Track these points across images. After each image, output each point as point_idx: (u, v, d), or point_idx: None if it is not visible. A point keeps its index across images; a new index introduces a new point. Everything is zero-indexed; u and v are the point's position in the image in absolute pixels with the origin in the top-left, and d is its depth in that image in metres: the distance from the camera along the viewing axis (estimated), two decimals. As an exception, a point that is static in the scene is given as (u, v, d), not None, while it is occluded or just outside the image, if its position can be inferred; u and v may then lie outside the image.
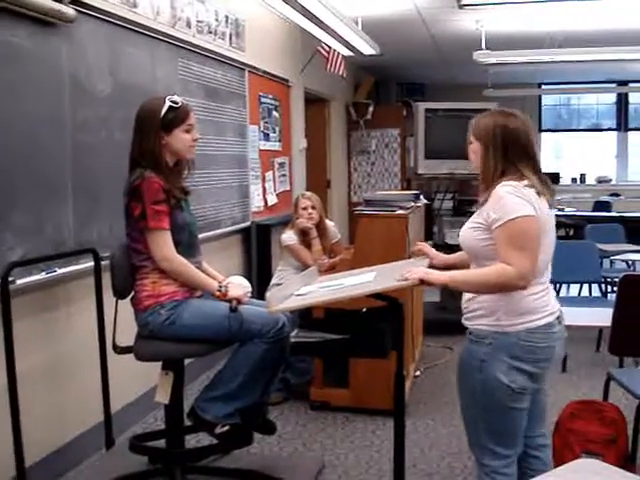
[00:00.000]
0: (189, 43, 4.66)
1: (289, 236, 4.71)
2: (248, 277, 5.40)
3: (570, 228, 8.92)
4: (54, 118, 3.31)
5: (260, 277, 5.67)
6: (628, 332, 3.43)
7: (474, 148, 2.45)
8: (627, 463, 3.09)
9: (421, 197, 5.11)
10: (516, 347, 2.32)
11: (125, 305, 3.04)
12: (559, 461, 2.94)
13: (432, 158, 6.17)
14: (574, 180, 12.38)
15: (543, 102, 12.72)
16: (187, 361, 3.24)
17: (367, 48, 6.46)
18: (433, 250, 2.85)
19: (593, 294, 6.80)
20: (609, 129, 12.65)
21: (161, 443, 3.30)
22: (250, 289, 3.05)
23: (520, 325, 2.33)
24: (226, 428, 2.96)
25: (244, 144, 5.69)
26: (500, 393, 2.34)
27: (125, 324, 3.05)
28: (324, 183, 8.76)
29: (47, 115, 3.26)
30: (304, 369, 4.41)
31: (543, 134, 12.75)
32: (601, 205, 10.48)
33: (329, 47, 6.61)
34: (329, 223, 4.96)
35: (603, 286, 6.49)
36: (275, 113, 6.48)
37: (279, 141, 6.60)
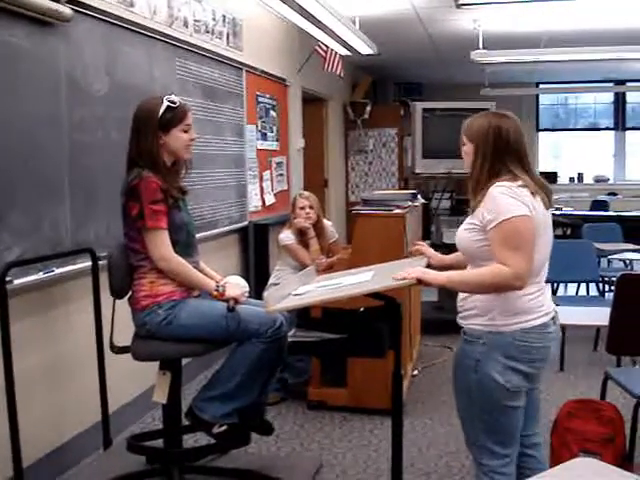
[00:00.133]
0: (186, 42, 4.65)
1: (287, 236, 4.71)
2: (246, 277, 5.40)
3: (568, 227, 8.92)
4: (51, 117, 3.31)
5: (258, 277, 5.66)
6: (625, 331, 3.44)
7: (467, 149, 2.46)
8: (625, 462, 3.09)
9: (418, 196, 5.11)
10: (511, 347, 2.32)
11: (123, 305, 3.04)
12: (556, 460, 2.95)
13: (429, 157, 6.17)
14: (572, 179, 12.40)
15: (540, 101, 12.73)
16: (185, 361, 3.24)
17: (365, 48, 6.46)
18: (431, 250, 2.85)
19: (591, 293, 6.82)
20: (606, 128, 12.65)
21: (159, 443, 3.29)
22: (248, 289, 3.05)
23: (515, 325, 2.33)
24: (224, 428, 2.96)
25: (241, 144, 5.69)
26: (496, 392, 2.34)
27: (123, 324, 3.05)
28: (322, 183, 8.76)
29: (44, 114, 3.26)
30: (302, 369, 4.41)
31: (540, 133, 12.77)
32: (599, 204, 10.49)
33: (327, 47, 6.61)
34: (327, 223, 4.95)
35: (601, 285, 6.50)
36: (273, 113, 6.48)
37: (276, 141, 6.60)
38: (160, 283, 2.89)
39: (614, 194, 11.41)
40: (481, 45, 7.31)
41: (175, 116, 2.92)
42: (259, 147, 6.08)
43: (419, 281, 2.33)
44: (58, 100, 3.35)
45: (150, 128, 2.88)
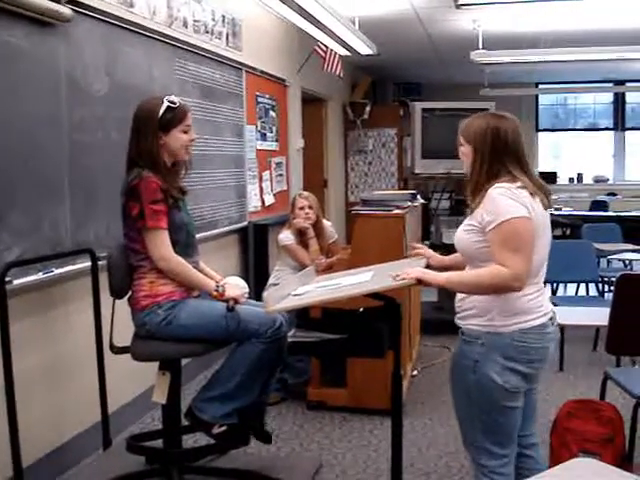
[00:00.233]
0: (186, 43, 4.65)
1: (286, 236, 4.71)
2: (245, 277, 5.41)
3: (567, 227, 8.93)
4: (51, 118, 3.31)
5: (257, 277, 5.66)
6: (625, 331, 3.44)
7: (465, 151, 2.45)
8: (624, 462, 3.09)
9: (418, 197, 5.12)
10: (510, 347, 2.32)
11: (122, 305, 3.04)
12: (556, 460, 2.95)
13: (429, 158, 6.18)
14: (571, 180, 12.40)
15: (540, 102, 12.73)
16: (184, 361, 3.24)
17: (364, 48, 6.45)
18: (430, 250, 2.85)
19: (590, 293, 6.81)
20: (606, 129, 12.66)
21: (158, 443, 3.29)
22: (247, 290, 3.05)
23: (513, 325, 2.33)
24: (223, 428, 2.96)
25: (241, 144, 5.69)
26: (494, 393, 2.34)
27: (122, 324, 3.05)
28: (321, 183, 8.76)
29: (44, 115, 3.26)
30: (301, 369, 4.41)
31: (540, 134, 12.77)
32: (598, 204, 10.50)
33: (326, 47, 6.61)
34: (326, 223, 4.95)
35: (600, 285, 6.50)
36: (272, 113, 6.48)
37: (276, 141, 6.60)
38: (160, 283, 2.89)
39: (613, 194, 11.42)
40: (481, 45, 7.31)
41: (175, 116, 2.92)
42: (258, 147, 6.08)
43: (418, 281, 2.33)
44: (58, 100, 3.35)
45: (150, 128, 2.88)
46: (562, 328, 4.58)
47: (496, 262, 2.25)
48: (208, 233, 4.93)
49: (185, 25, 4.69)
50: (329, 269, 4.24)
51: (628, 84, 11.72)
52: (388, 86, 11.15)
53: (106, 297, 3.18)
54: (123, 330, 3.06)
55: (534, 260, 2.30)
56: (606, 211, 9.84)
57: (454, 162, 5.56)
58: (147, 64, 4.18)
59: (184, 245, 2.96)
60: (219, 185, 5.23)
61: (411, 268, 2.41)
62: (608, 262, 7.31)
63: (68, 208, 3.41)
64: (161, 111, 2.88)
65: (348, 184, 9.86)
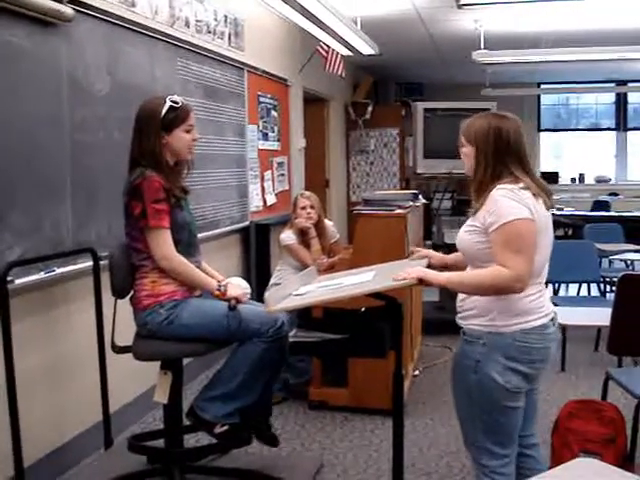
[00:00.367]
0: (188, 43, 4.65)
1: (288, 236, 4.71)
2: (247, 277, 5.41)
3: (569, 228, 8.92)
4: (52, 118, 3.31)
5: (259, 277, 5.67)
6: (627, 332, 3.43)
7: (467, 151, 2.45)
8: (626, 463, 3.09)
9: (420, 197, 5.11)
10: (511, 348, 2.32)
11: (124, 305, 3.04)
12: (557, 460, 2.95)
13: (431, 158, 6.18)
14: (573, 180, 12.40)
15: (542, 102, 12.73)
16: (186, 361, 3.24)
17: (366, 48, 6.46)
18: (431, 251, 2.85)
19: (592, 294, 6.81)
20: (608, 129, 12.66)
21: (160, 443, 3.29)
22: (249, 290, 3.05)
23: (515, 326, 2.33)
24: (225, 428, 2.96)
25: (243, 144, 5.69)
26: (496, 393, 2.34)
27: (124, 324, 3.05)
28: (323, 183, 8.76)
29: (46, 115, 3.26)
30: (303, 369, 4.41)
31: (542, 134, 12.77)
32: (600, 205, 10.49)
33: (328, 47, 6.61)
34: (328, 223, 4.96)
35: (602, 286, 6.49)
36: (274, 113, 6.48)
37: (278, 141, 6.60)
38: (162, 283, 2.89)
39: (615, 194, 11.42)
40: (482, 45, 7.31)
41: (178, 116, 2.92)
42: (260, 147, 6.08)
43: (420, 281, 2.33)
44: (60, 100, 3.36)
45: (152, 128, 2.88)
46: (564, 328, 4.57)
47: (497, 263, 2.25)
48: (210, 233, 4.93)
49: (187, 25, 4.69)
50: (331, 269, 4.25)
51: (630, 84, 11.70)
52: (390, 86, 11.14)
53: (108, 297, 3.18)
54: (125, 329, 3.06)
55: (536, 261, 2.30)
56: (608, 211, 9.82)
57: (456, 162, 5.55)
58: (149, 64, 4.18)
59: (186, 244, 2.96)
60: (221, 185, 5.23)
61: (412, 268, 2.41)
62: (610, 262, 7.30)
63: (70, 208, 3.41)
64: (164, 111, 2.88)
65: (350, 184, 9.86)
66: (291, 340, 2.93)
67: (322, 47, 6.67)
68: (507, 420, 2.39)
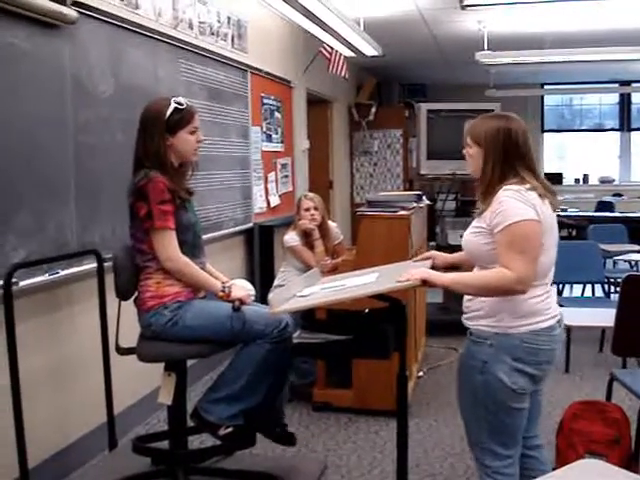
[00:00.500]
0: (191, 44, 4.66)
1: (292, 237, 4.71)
2: (251, 279, 5.41)
3: (573, 228, 8.92)
4: (57, 119, 3.32)
5: (263, 278, 5.67)
6: (631, 332, 3.42)
7: (472, 152, 2.44)
8: (631, 463, 3.09)
9: (424, 198, 5.11)
10: (518, 349, 2.32)
11: (128, 306, 3.04)
12: (562, 461, 2.94)
13: (434, 159, 6.18)
14: (577, 180, 12.38)
15: (546, 102, 12.71)
16: (190, 362, 3.25)
17: (369, 49, 6.45)
18: (434, 251, 2.84)
19: (596, 294, 6.80)
20: (612, 129, 12.63)
21: (164, 444, 3.30)
22: (253, 292, 3.05)
23: (523, 327, 2.32)
24: (229, 429, 2.96)
25: (246, 145, 5.69)
26: (502, 394, 2.34)
27: (128, 325, 3.06)
28: (326, 184, 8.76)
29: (50, 116, 3.27)
30: (307, 370, 4.41)
31: (546, 134, 12.75)
32: (604, 205, 10.48)
33: (331, 48, 6.61)
34: (331, 224, 4.96)
35: (606, 286, 6.49)
36: (277, 114, 6.48)
37: (281, 142, 6.60)
38: (166, 284, 2.89)
39: (619, 195, 11.40)
40: (486, 46, 7.31)
41: (182, 118, 2.92)
42: (264, 149, 6.09)
43: (423, 282, 2.33)
44: (63, 102, 3.36)
45: (157, 129, 2.88)
46: (568, 329, 4.57)
47: (501, 264, 2.24)
48: (213, 234, 4.94)
49: (190, 27, 4.70)
50: (334, 270, 4.24)
51: (634, 85, 11.68)
52: (393, 87, 11.14)
53: (112, 298, 3.19)
54: (129, 331, 3.06)
55: (543, 262, 2.30)
56: (612, 212, 9.82)
57: (460, 163, 5.56)
58: (152, 66, 4.18)
59: (191, 246, 2.96)
60: (224, 186, 5.23)
61: (416, 269, 2.41)
62: (614, 263, 7.29)
63: (74, 209, 3.42)
64: (168, 112, 2.88)
65: (353, 185, 9.85)
66: (295, 341, 2.93)
67: (325, 48, 6.67)
68: (512, 421, 2.38)
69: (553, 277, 2.47)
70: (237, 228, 5.50)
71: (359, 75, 9.90)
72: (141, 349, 3.01)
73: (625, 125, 12.48)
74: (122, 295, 3.04)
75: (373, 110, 9.57)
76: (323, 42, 6.38)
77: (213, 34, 5.04)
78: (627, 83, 11.70)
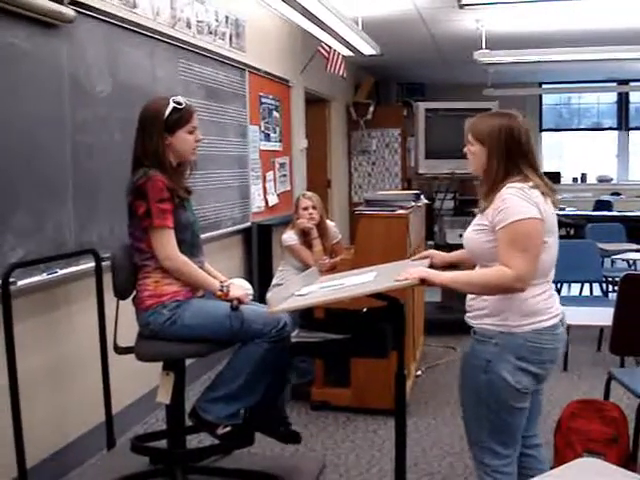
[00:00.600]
0: (189, 43, 4.66)
1: (290, 236, 4.72)
2: (249, 278, 5.41)
3: (571, 227, 8.92)
4: (54, 119, 3.32)
5: (261, 278, 5.67)
6: (629, 331, 3.43)
7: (474, 150, 2.44)
8: (629, 462, 3.09)
9: (422, 197, 5.11)
10: (523, 348, 2.31)
11: (126, 306, 3.04)
12: (560, 460, 2.95)
13: (433, 158, 6.18)
14: (575, 179, 12.38)
15: (544, 101, 12.72)
16: (188, 361, 3.25)
17: (367, 48, 6.45)
18: (432, 250, 2.85)
19: (594, 293, 6.81)
20: (610, 128, 12.64)
21: (162, 443, 3.30)
22: (251, 291, 3.05)
23: (527, 326, 2.32)
24: (228, 429, 2.96)
25: (245, 144, 5.69)
26: (505, 393, 2.33)
27: (126, 324, 3.05)
28: (325, 183, 8.76)
29: (47, 116, 3.27)
30: (305, 369, 4.41)
31: (544, 133, 12.75)
32: (602, 204, 10.49)
33: (329, 47, 6.61)
34: (330, 223, 4.96)
35: (604, 285, 6.49)
36: (276, 113, 6.48)
37: (279, 141, 6.60)
38: (164, 283, 2.89)
39: (617, 194, 11.41)
40: (484, 45, 7.31)
41: (181, 117, 2.92)
42: (262, 148, 6.08)
43: (422, 281, 2.33)
44: (61, 101, 3.36)
45: (156, 129, 2.88)
46: (567, 328, 4.56)
47: (500, 261, 2.24)
48: (212, 234, 4.94)
49: (188, 26, 4.69)
50: (333, 269, 4.24)
51: (632, 84, 11.69)
52: (391, 86, 11.14)
53: (110, 298, 3.19)
54: (127, 330, 3.06)
55: (545, 260, 2.31)
56: (610, 211, 9.82)
57: (458, 162, 5.61)
58: (150, 65, 4.18)
59: (189, 245, 2.96)
60: (222, 186, 5.23)
61: (414, 268, 2.40)
62: (612, 262, 7.30)
63: (72, 209, 3.42)
64: (167, 112, 2.88)
65: (352, 184, 9.85)
66: (293, 340, 2.93)
67: (323, 47, 6.67)
68: (513, 420, 2.39)
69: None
70: (235, 227, 5.50)
71: (357, 74, 9.90)
72: (139, 348, 3.01)
73: (623, 124, 12.49)
74: (120, 294, 3.04)
75: (371, 109, 9.57)
76: (321, 41, 6.38)
77: (211, 33, 5.04)
78: (625, 82, 11.71)
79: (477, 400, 2.42)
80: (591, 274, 5.83)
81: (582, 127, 12.94)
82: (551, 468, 2.52)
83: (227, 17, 5.32)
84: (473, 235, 2.41)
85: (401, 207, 4.31)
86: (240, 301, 2.88)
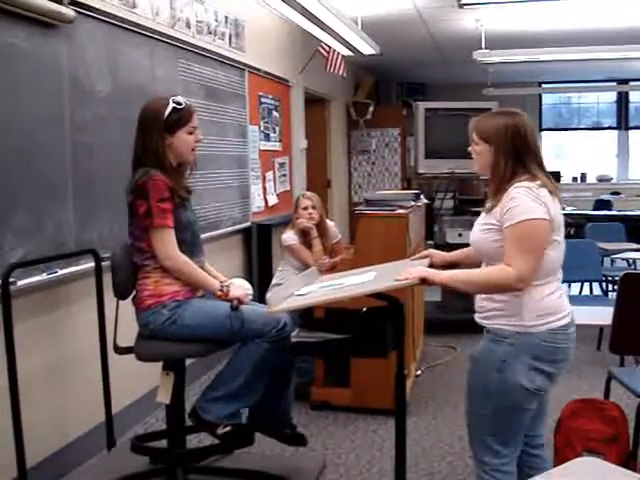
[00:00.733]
0: (189, 43, 4.66)
1: (290, 236, 4.71)
2: (249, 278, 5.41)
3: (571, 227, 8.90)
4: (54, 118, 3.32)
5: (261, 277, 5.67)
6: (629, 331, 3.43)
7: (479, 150, 2.43)
8: (629, 461, 3.09)
9: (421, 196, 5.11)
10: (538, 348, 2.31)
11: (126, 305, 3.04)
12: (561, 460, 2.94)
13: (432, 157, 6.18)
14: (575, 179, 12.38)
15: (543, 101, 12.71)
16: (188, 361, 3.24)
17: (367, 48, 6.46)
18: (432, 250, 2.84)
19: (594, 293, 6.81)
20: (609, 128, 12.64)
21: (162, 443, 3.30)
22: (251, 291, 3.05)
23: (542, 326, 2.31)
24: (228, 429, 2.96)
25: (244, 144, 5.69)
26: (516, 394, 2.33)
27: (126, 324, 3.05)
28: (324, 183, 8.76)
29: (47, 116, 3.27)
30: (305, 369, 4.40)
31: (543, 133, 12.74)
32: (602, 204, 10.48)
33: (329, 47, 6.61)
34: (329, 223, 4.96)
35: (604, 285, 6.49)
36: (275, 113, 6.48)
37: (279, 141, 6.60)
38: (164, 282, 2.89)
39: (617, 193, 11.41)
40: (484, 45, 7.31)
41: (181, 117, 2.92)
42: (262, 148, 6.09)
43: (422, 280, 2.32)
44: (61, 101, 3.36)
45: (156, 129, 2.88)
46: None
47: (504, 261, 2.24)
48: (211, 234, 4.93)
49: (188, 26, 4.69)
50: (332, 269, 4.24)
51: (632, 83, 11.68)
52: (391, 86, 11.15)
53: (110, 297, 3.19)
54: (127, 330, 3.06)
55: (554, 257, 2.31)
56: (610, 210, 9.83)
57: (458, 162, 5.62)
58: (150, 65, 4.18)
59: (189, 245, 2.96)
60: (222, 186, 5.23)
61: (414, 267, 2.40)
62: (612, 261, 7.30)
63: (71, 209, 3.42)
64: (167, 112, 2.88)
65: (351, 184, 9.86)
66: (293, 340, 2.93)
67: (323, 47, 6.67)
68: (519, 420, 2.38)
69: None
70: (235, 227, 5.50)
71: (357, 74, 9.90)
72: (139, 348, 3.01)
73: (623, 123, 12.49)
74: (120, 294, 3.04)
75: (371, 109, 9.57)
76: (321, 41, 6.38)
77: (211, 33, 5.04)
78: (625, 82, 11.70)
79: (485, 399, 2.40)
80: (591, 273, 5.83)
81: (582, 127, 12.94)
82: (552, 468, 2.52)
83: (226, 17, 5.32)
84: (481, 234, 2.40)
85: (401, 207, 4.31)
86: (240, 301, 2.88)
